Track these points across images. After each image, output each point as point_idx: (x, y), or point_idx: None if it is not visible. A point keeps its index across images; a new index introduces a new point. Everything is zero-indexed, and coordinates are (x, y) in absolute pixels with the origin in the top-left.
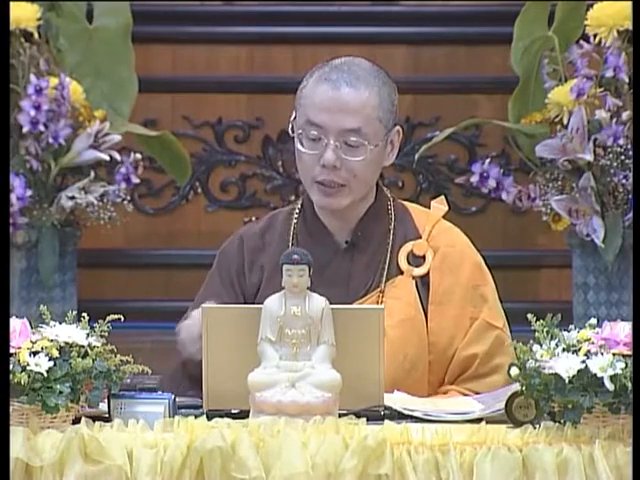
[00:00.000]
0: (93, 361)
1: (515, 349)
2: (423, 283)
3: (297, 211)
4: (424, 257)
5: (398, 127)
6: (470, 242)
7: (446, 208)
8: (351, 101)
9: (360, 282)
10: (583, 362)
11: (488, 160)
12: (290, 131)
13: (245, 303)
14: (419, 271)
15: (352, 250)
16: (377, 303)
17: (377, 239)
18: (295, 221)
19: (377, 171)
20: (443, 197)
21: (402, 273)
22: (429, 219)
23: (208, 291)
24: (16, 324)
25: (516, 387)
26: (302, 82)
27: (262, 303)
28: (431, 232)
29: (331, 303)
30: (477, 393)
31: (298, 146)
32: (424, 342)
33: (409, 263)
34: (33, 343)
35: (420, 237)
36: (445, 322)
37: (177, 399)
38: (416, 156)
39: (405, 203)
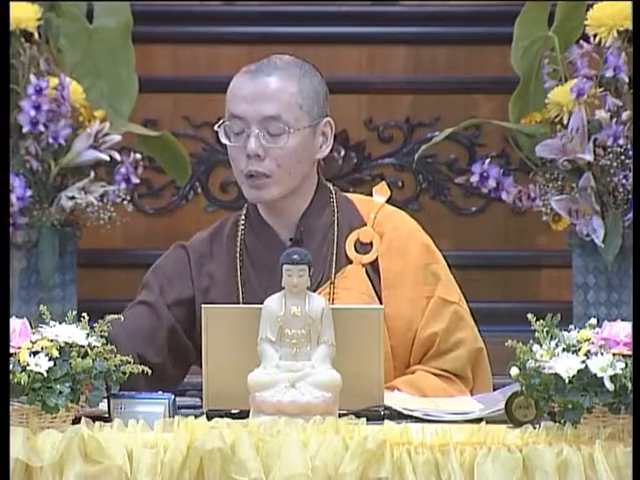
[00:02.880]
0: (93, 361)
1: (515, 349)
2: (373, 270)
3: (243, 216)
4: (371, 244)
5: (329, 119)
6: (417, 224)
7: (388, 193)
8: (267, 88)
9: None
10: (583, 362)
11: (488, 160)
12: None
13: (190, 303)
14: (368, 258)
15: (297, 246)
16: (329, 295)
17: (321, 232)
18: (242, 226)
19: (305, 161)
20: (384, 183)
21: (351, 262)
22: (372, 206)
23: (142, 289)
24: (16, 324)
25: (516, 387)
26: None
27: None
28: (376, 218)
29: None
30: (443, 370)
31: (225, 141)
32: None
33: (357, 251)
34: (33, 343)
35: (365, 225)
36: (401, 305)
37: (177, 399)
38: (415, 156)
39: (348, 195)
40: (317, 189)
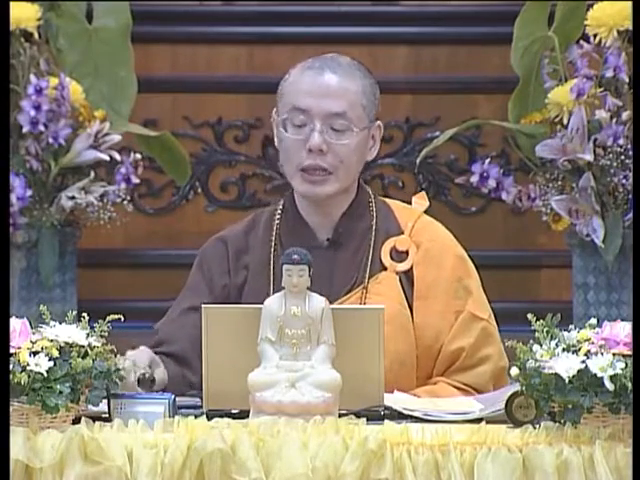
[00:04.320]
0: (93, 361)
1: (515, 349)
2: (407, 278)
3: (279, 211)
4: (407, 252)
5: (379, 122)
6: (452, 236)
7: (427, 204)
8: (335, 85)
9: (343, 279)
10: (583, 362)
11: (488, 160)
12: (275, 123)
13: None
14: (402, 266)
15: (334, 247)
16: (361, 300)
17: (359, 236)
18: (277, 221)
19: (361, 161)
20: (424, 193)
21: (385, 269)
22: (411, 214)
23: (190, 292)
24: (16, 324)
25: (516, 387)
26: (283, 79)
27: (246, 301)
28: (413, 227)
29: None
30: (465, 384)
31: (282, 133)
32: (411, 337)
33: (392, 259)
34: (33, 343)
35: (402, 233)
36: (431, 317)
37: (177, 399)
38: (418, 160)
39: (386, 200)
40: (358, 191)
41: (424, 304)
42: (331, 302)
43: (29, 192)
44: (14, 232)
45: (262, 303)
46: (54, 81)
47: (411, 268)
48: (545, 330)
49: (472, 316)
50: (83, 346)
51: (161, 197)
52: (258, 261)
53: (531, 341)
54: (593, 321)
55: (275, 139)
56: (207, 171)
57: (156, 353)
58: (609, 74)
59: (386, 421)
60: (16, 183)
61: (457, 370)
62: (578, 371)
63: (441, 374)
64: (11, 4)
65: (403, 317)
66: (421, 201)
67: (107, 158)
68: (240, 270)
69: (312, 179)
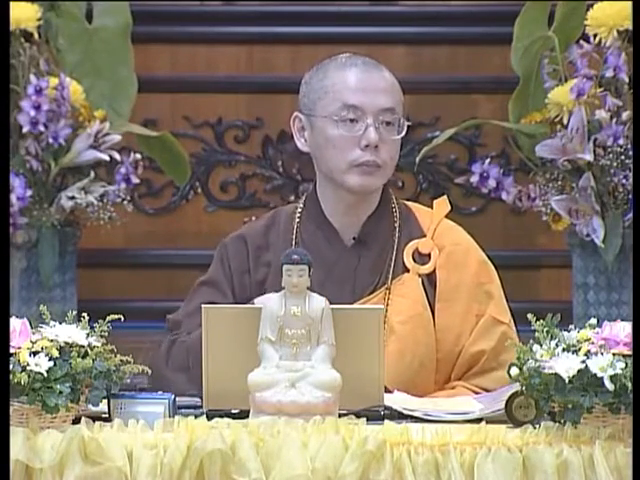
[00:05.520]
0: (93, 361)
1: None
2: (429, 281)
3: (299, 210)
4: (429, 255)
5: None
6: (473, 240)
7: (449, 208)
8: (383, 81)
9: (367, 279)
10: (583, 362)
11: (488, 160)
12: (305, 123)
13: (248, 301)
14: (425, 269)
15: (359, 247)
16: (384, 300)
17: (383, 237)
18: (298, 220)
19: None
20: (445, 197)
21: (408, 271)
22: (433, 218)
23: (209, 286)
24: (16, 324)
25: (516, 387)
26: (315, 78)
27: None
28: (435, 230)
29: (338, 301)
30: (484, 389)
31: (332, 132)
32: (432, 339)
33: (414, 261)
34: (33, 343)
35: (424, 236)
36: (452, 320)
37: (177, 399)
38: (417, 159)
39: (407, 203)
40: (382, 193)
41: (446, 307)
42: (354, 301)
43: (29, 192)
44: (14, 232)
45: None
46: (54, 81)
47: (434, 271)
48: (545, 330)
49: (493, 320)
50: (83, 346)
51: (161, 197)
52: (279, 259)
53: (531, 341)
54: (593, 321)
55: (301, 140)
56: (207, 171)
57: (172, 343)
58: (609, 74)
59: (386, 421)
60: (16, 183)
61: (476, 374)
62: (578, 371)
63: (459, 377)
64: (11, 4)
65: (425, 319)
66: (443, 205)
67: (107, 158)
68: (260, 267)
69: (367, 170)
